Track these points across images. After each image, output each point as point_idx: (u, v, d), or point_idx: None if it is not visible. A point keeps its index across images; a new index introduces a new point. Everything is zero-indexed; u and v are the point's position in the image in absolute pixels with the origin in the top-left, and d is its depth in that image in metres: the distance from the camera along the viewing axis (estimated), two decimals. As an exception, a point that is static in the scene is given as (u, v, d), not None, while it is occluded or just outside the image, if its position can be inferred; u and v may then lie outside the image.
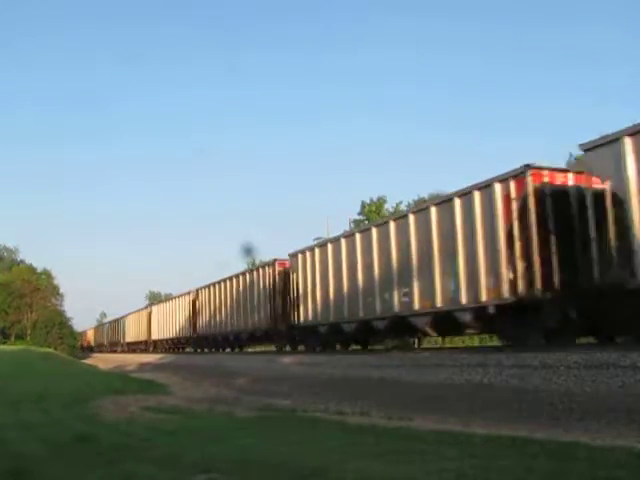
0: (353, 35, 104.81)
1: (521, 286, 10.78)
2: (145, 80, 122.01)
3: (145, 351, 39.25)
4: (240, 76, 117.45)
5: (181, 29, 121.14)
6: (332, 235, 23.94)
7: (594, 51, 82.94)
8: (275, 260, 21.70)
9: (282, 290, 20.65)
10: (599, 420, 6.86)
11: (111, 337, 52.86)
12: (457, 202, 12.38)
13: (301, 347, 20.94)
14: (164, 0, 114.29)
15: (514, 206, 11.01)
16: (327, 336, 17.94)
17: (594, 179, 9.92)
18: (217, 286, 27.20)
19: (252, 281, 23.01)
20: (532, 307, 10.65)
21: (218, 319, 26.80)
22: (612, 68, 78.01)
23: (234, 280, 25.06)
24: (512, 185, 11.13)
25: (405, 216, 14.36)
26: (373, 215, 41.52)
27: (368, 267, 15.20)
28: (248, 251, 27.78)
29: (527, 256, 10.70)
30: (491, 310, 11.45)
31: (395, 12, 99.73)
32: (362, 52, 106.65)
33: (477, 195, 11.90)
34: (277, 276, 21.14)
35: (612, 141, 9.28)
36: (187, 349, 34.38)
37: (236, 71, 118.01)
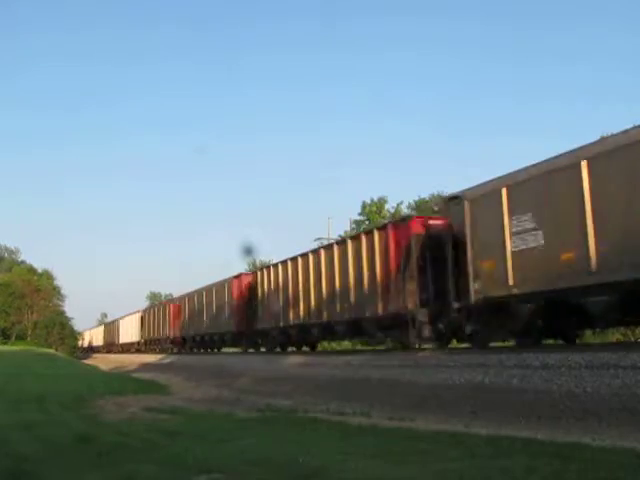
0: (353, 36, 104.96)
1: (402, 304, 13.86)
2: (145, 81, 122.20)
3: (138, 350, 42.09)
4: (240, 76, 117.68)
5: (181, 30, 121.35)
6: (332, 236, 25.79)
7: (594, 50, 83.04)
8: (241, 274, 25.54)
9: (247, 300, 23.88)
10: (600, 421, 6.86)
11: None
12: (363, 238, 15.85)
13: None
14: (163, 1, 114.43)
15: (402, 245, 14.11)
16: (277, 338, 21.45)
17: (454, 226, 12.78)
18: (198, 294, 30.34)
19: (225, 291, 26.17)
20: (411, 319, 13.57)
21: (198, 323, 30.08)
22: (612, 67, 78.13)
23: (213, 289, 28.03)
24: (400, 229, 14.43)
25: (331, 246, 18.25)
26: (374, 215, 41.49)
27: (304, 285, 18.82)
28: (248, 251, 27.94)
29: (410, 282, 13.70)
30: (386, 321, 14.76)
31: (395, 12, 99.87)
32: (362, 53, 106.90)
33: (376, 234, 15.17)
34: (244, 288, 24.44)
35: (459, 198, 12.65)
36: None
37: (236, 72, 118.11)
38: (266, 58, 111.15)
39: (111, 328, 54.09)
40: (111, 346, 52.92)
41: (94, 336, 63.69)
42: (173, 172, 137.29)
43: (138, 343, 43.14)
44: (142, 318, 42.54)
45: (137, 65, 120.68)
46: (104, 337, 56.95)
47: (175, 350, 35.06)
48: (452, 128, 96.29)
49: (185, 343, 32.99)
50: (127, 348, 46.21)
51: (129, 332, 45.49)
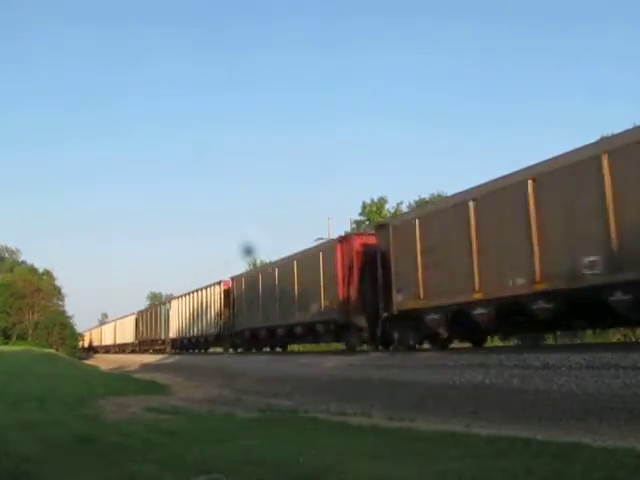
0: (353, 36, 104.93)
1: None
2: (145, 80, 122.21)
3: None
4: (240, 76, 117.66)
5: (181, 29, 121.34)
6: (333, 236, 26.68)
7: (595, 50, 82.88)
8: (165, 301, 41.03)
9: (167, 318, 36.55)
10: (600, 421, 6.85)
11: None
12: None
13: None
14: (163, 0, 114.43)
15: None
16: (185, 344, 34.13)
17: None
18: (145, 312, 45.62)
19: (153, 312, 41.79)
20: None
21: (149, 331, 42.26)
22: (613, 67, 78.01)
23: (151, 309, 44.63)
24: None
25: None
26: (374, 215, 41.44)
27: (195, 310, 30.99)
28: (248, 251, 28.10)
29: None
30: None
31: (395, 12, 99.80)
32: (362, 53, 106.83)
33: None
34: (167, 310, 37.10)
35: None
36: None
37: (236, 72, 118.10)
38: (266, 58, 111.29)
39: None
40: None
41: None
42: (173, 172, 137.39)
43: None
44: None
45: (137, 64, 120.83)
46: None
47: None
48: (452, 128, 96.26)
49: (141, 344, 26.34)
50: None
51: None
